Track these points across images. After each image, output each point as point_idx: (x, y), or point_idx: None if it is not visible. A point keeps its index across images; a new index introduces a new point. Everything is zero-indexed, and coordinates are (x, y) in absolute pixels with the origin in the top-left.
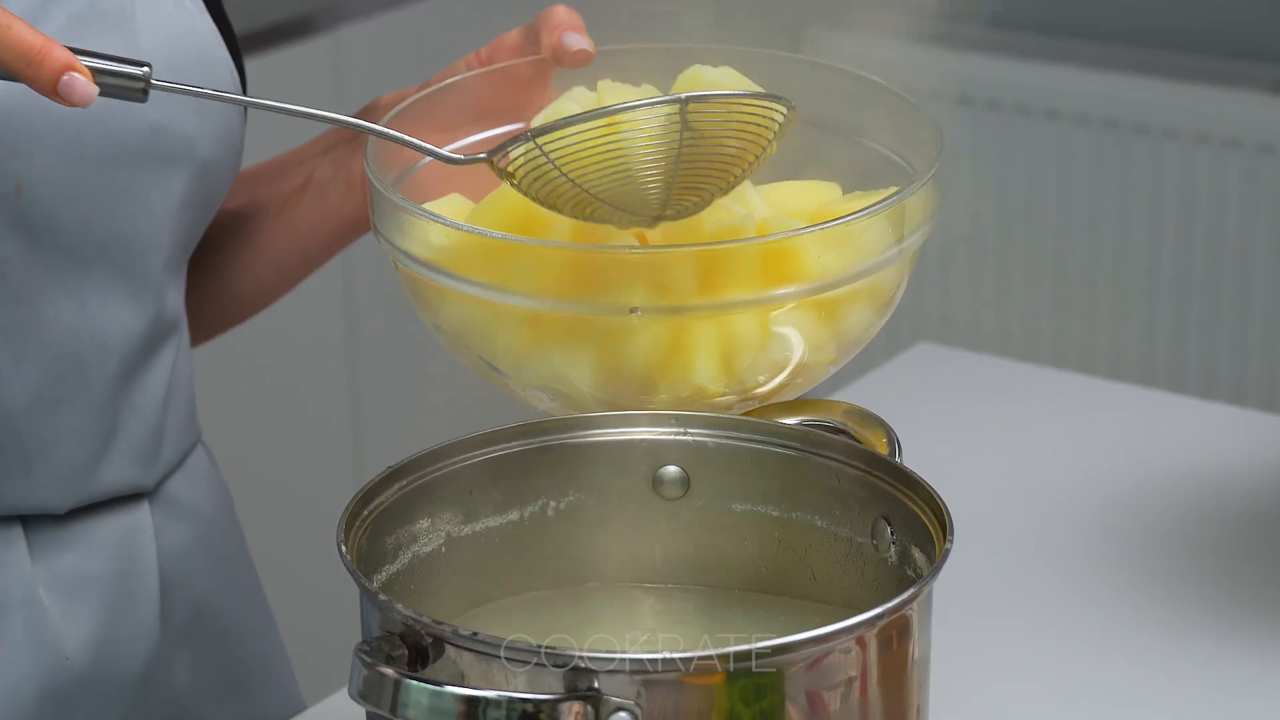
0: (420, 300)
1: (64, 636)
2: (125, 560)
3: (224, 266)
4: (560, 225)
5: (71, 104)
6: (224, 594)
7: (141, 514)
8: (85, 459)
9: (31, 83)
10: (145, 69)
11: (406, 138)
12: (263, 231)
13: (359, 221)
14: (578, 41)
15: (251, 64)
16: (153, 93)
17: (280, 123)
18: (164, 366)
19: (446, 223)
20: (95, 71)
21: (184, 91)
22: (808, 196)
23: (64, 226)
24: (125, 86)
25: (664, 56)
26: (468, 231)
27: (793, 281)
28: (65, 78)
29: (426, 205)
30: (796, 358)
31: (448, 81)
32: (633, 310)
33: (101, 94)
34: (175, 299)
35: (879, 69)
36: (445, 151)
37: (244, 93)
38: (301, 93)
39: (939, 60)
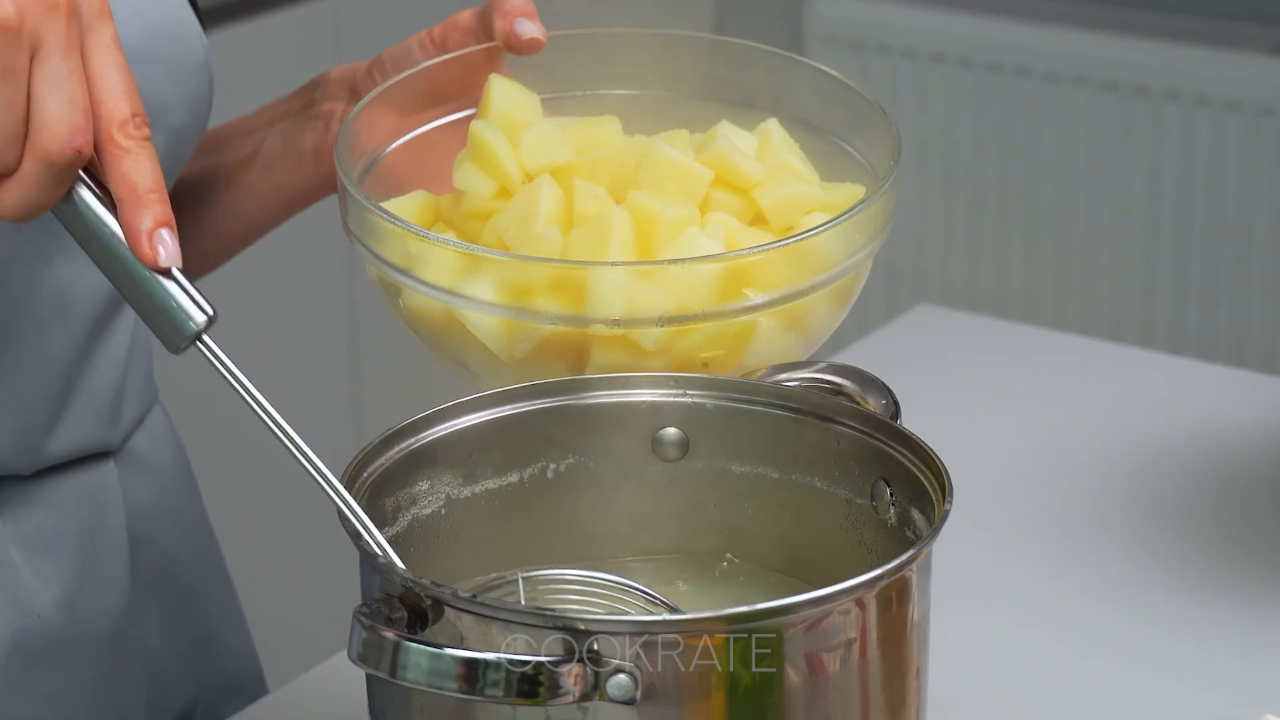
0: (391, 301)
1: (36, 594)
2: (94, 517)
3: None
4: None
5: (155, 263)
6: (187, 551)
7: (107, 471)
8: (46, 418)
9: (127, 223)
10: (208, 316)
11: (359, 517)
12: (211, 200)
13: (309, 192)
14: (530, 29)
15: (252, 26)
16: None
17: (247, 89)
18: (125, 329)
19: (418, 232)
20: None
21: (222, 368)
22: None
23: None
24: (184, 313)
25: (617, 42)
26: (439, 243)
27: (760, 293)
28: (161, 232)
29: (393, 201)
30: (765, 358)
31: (403, 76)
32: (614, 322)
33: (151, 309)
34: None
35: (881, 31)
36: (389, 553)
37: (209, 61)
38: (301, 55)
39: (940, 22)
